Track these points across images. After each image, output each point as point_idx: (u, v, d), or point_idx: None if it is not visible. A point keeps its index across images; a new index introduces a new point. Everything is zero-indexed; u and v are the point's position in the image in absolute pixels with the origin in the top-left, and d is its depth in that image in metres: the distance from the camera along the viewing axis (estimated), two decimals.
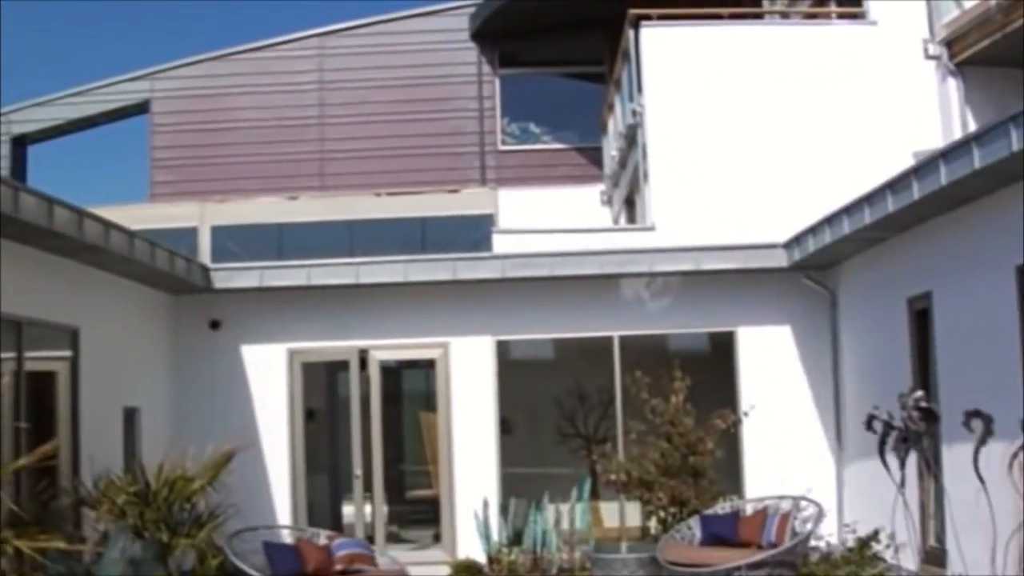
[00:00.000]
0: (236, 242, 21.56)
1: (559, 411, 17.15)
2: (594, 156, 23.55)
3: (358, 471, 16.00)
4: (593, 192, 22.16)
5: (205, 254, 21.44)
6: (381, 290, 15.79)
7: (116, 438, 14.56)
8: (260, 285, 15.54)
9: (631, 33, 18.42)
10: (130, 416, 14.91)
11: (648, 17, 18.23)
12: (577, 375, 17.17)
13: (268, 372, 16.09)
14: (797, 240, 15.07)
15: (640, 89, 18.11)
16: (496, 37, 24.48)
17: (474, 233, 21.32)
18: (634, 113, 18.33)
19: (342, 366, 16.39)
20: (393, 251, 21.33)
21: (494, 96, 24.44)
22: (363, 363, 16.19)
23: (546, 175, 23.76)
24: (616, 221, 21.54)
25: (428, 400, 17.07)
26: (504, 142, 24.32)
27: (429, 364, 16.31)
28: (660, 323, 16.11)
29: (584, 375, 17.08)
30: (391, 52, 24.42)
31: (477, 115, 24.30)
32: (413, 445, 17.94)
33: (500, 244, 17.53)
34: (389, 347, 16.22)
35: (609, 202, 22.04)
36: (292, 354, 16.12)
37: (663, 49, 18.07)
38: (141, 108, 24.70)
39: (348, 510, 17.03)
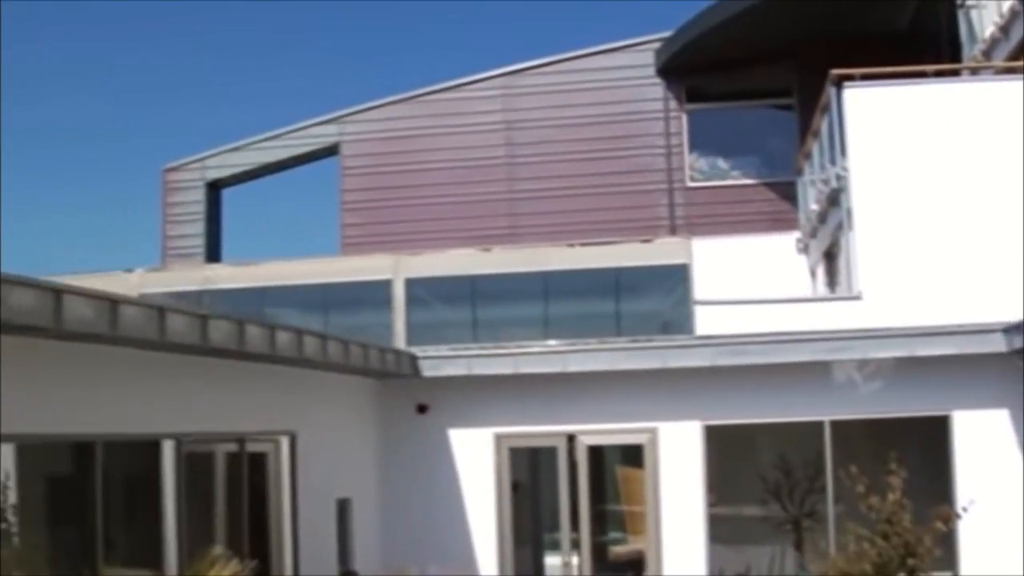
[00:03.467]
0: (430, 293, 21.68)
1: (763, 485, 16.89)
2: (784, 191, 23.17)
3: (569, 558, 16.04)
4: (788, 240, 21.73)
5: (399, 305, 21.59)
6: (588, 375, 15.71)
7: (330, 532, 14.84)
8: (468, 373, 15.61)
9: (832, 91, 17.99)
10: (343, 507, 15.16)
11: (851, 77, 17.78)
12: (782, 448, 16.88)
13: (475, 456, 16.19)
14: (1018, 328, 14.58)
15: (844, 152, 17.68)
16: (682, 72, 24.22)
17: (670, 278, 21.18)
18: (838, 177, 17.90)
19: (549, 450, 16.39)
20: (586, 298, 21.57)
21: (681, 132, 24.18)
22: (570, 444, 16.19)
23: (735, 211, 23.48)
24: (813, 272, 21.13)
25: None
26: (692, 178, 24.07)
27: (637, 449, 16.22)
28: (872, 407, 15.75)
29: (789, 448, 16.79)
30: (577, 90, 24.33)
31: (665, 152, 24.07)
32: (618, 513, 17.87)
33: (702, 317, 17.35)
34: (596, 432, 16.17)
35: (805, 250, 21.62)
36: (499, 439, 16.18)
37: (868, 111, 17.61)
38: (331, 151, 25.03)
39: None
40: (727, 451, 16.69)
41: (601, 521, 17.81)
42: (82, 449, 10.29)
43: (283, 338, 12.28)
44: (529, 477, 17.53)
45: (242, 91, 49.57)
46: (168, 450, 11.65)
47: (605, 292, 21.49)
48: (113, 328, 9.42)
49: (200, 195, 25.39)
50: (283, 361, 12.81)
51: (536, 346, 16.05)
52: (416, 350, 16.34)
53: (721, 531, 16.29)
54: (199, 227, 25.22)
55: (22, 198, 49.16)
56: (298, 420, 14.01)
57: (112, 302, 9.58)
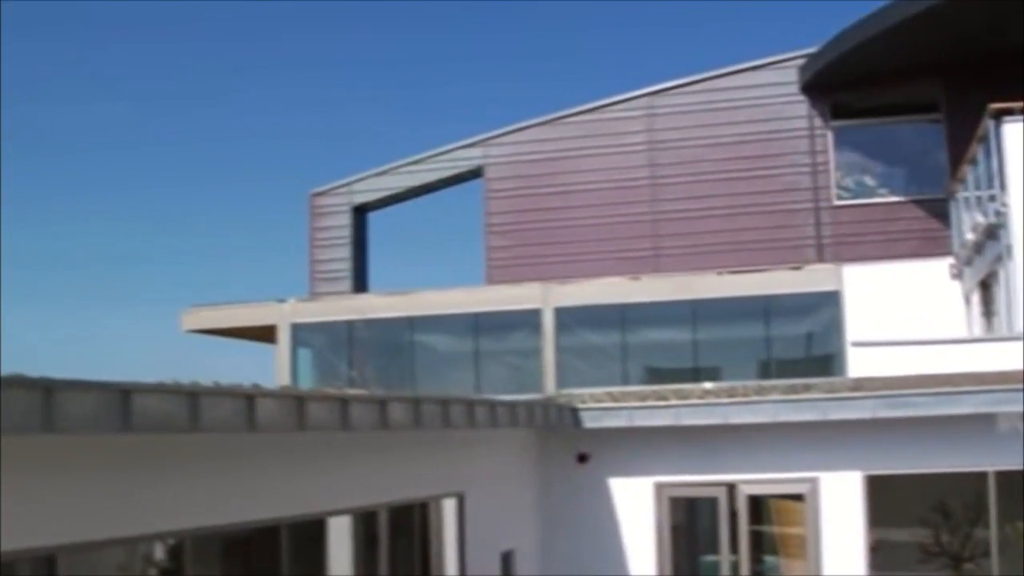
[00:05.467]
0: (579, 321, 21.86)
1: (923, 528, 16.74)
2: (934, 208, 22.87)
3: None
4: (941, 266, 21.41)
5: (549, 333, 21.81)
6: (749, 426, 15.73)
7: None
8: (629, 425, 15.71)
9: (991, 124, 17.72)
10: (506, 560, 15.37)
11: (1010, 111, 17.49)
12: (943, 493, 16.70)
13: (635, 505, 16.29)
14: None
15: (1003, 187, 17.42)
16: (827, 88, 23.94)
17: (820, 306, 21.13)
18: (997, 212, 17.65)
19: (709, 499, 16.44)
20: (735, 326, 21.56)
21: (827, 149, 23.92)
22: (730, 493, 16.22)
23: (883, 230, 23.21)
24: (967, 299, 20.83)
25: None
26: (839, 196, 23.82)
27: (797, 498, 16.20)
28: None
29: (951, 494, 16.60)
30: (720, 109, 24.20)
31: (810, 170, 23.85)
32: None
33: (856, 359, 17.26)
34: (756, 482, 16.17)
35: (959, 276, 21.30)
36: (659, 488, 16.27)
37: None
38: (475, 174, 25.23)
39: None
40: (885, 492, 16.57)
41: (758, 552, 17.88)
42: (270, 531, 10.73)
43: (456, 412, 12.57)
44: (687, 524, 17.59)
45: (388, 115, 50.63)
46: (344, 524, 12.05)
47: (754, 320, 21.48)
48: (301, 425, 9.78)
49: (347, 219, 25.77)
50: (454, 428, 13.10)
51: (696, 397, 16.04)
52: (575, 398, 16.48)
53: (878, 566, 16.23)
54: (346, 251, 25.61)
55: (182, 228, 50.86)
56: (465, 480, 14.28)
57: (299, 400, 9.90)
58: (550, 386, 21.44)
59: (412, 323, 22.79)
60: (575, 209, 24.36)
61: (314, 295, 25.02)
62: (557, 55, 48.49)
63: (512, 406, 14.04)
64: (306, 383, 23.50)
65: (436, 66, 49.97)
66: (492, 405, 13.49)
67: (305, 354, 23.69)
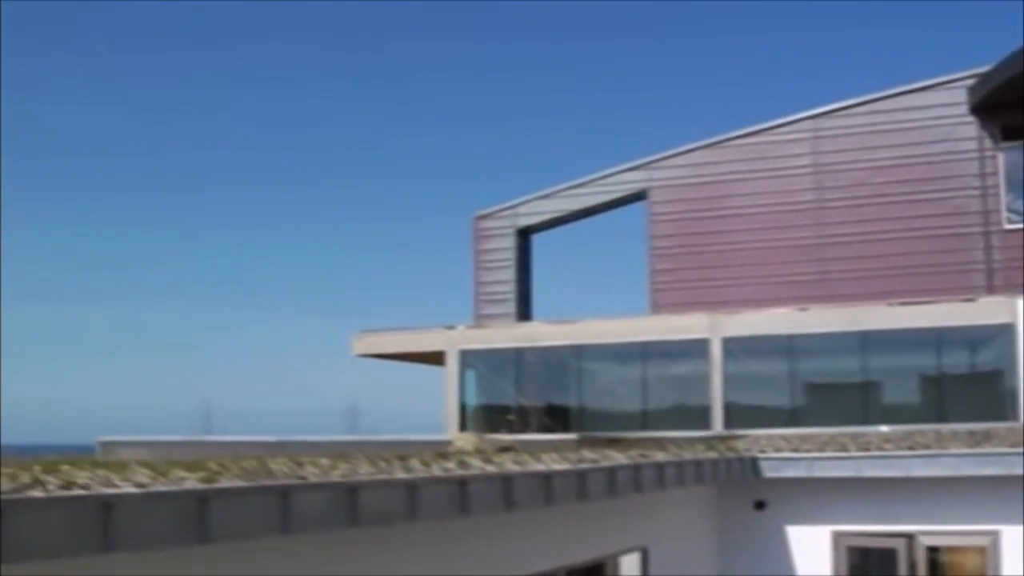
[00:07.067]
0: (747, 352, 21.89)
1: None
2: None
3: None
4: None
5: (716, 363, 21.87)
6: (930, 479, 15.69)
7: None
8: (808, 475, 15.78)
9: None
10: None
11: None
12: None
13: (812, 554, 16.38)
14: None
15: None
16: (998, 109, 23.50)
17: (993, 340, 20.89)
18: None
19: (887, 550, 16.44)
20: (904, 357, 21.38)
21: (997, 172, 23.52)
22: (909, 544, 16.19)
23: None
24: None
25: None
26: (1009, 220, 23.42)
27: (979, 551, 16.12)
28: None
29: None
30: (886, 131, 23.92)
31: (979, 193, 23.48)
32: None
33: None
34: (936, 533, 16.12)
35: None
36: (837, 537, 16.32)
37: None
38: (638, 197, 25.32)
39: None
40: None
41: None
42: None
43: (647, 475, 12.85)
44: (864, 572, 17.58)
45: (552, 137, 51.33)
46: None
47: (924, 352, 21.30)
48: (509, 505, 10.19)
49: (511, 242, 26.07)
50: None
51: (875, 447, 16.03)
52: (752, 443, 16.61)
53: None
54: (510, 273, 25.92)
55: (352, 250, 52.37)
56: (649, 534, 14.56)
57: (505, 480, 10.29)
58: (717, 415, 21.56)
59: (578, 351, 23.03)
60: (739, 233, 24.30)
61: (480, 318, 25.41)
62: (722, 78, 48.61)
63: (698, 464, 14.25)
64: (472, 402, 23.97)
65: (600, 89, 50.45)
66: (680, 465, 13.72)
67: (471, 375, 24.09)
